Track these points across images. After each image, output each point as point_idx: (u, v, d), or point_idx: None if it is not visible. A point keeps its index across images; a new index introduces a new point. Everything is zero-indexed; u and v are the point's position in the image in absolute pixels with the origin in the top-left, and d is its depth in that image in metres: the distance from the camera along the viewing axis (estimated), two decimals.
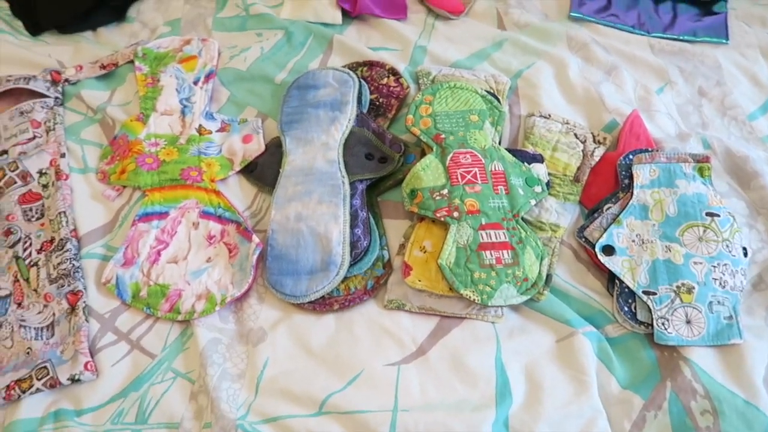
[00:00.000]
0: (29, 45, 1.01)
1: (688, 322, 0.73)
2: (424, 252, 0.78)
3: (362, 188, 0.82)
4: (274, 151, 0.88)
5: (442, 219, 0.77)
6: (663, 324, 0.73)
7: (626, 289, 0.76)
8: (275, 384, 0.72)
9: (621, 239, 0.78)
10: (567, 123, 0.88)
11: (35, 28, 1.03)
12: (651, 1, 1.04)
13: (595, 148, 0.86)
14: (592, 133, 0.88)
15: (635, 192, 0.80)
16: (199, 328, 0.76)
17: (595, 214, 0.80)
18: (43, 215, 0.84)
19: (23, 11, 1.03)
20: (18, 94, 0.93)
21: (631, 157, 0.83)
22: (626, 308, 0.75)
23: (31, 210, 0.84)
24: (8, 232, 0.82)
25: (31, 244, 0.82)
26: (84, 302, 0.77)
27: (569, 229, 0.83)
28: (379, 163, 0.84)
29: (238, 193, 0.87)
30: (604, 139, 0.87)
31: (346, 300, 0.77)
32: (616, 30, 1.01)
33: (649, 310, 0.74)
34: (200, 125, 0.91)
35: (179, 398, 0.72)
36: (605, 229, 0.78)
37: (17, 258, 0.81)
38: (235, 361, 0.75)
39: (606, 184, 0.84)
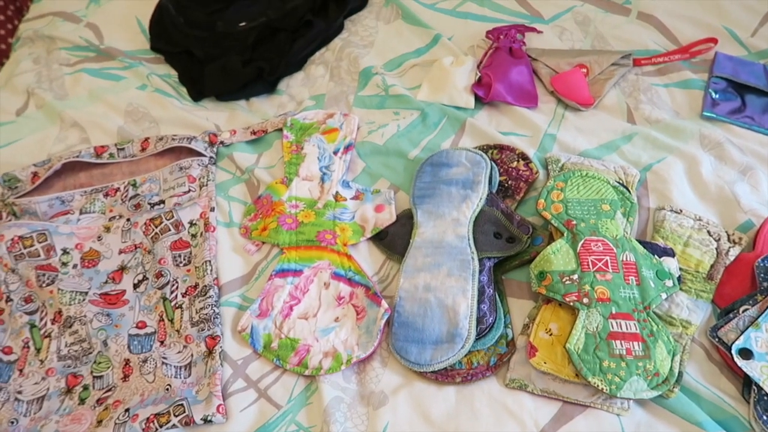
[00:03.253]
0: (191, 109, 1.13)
1: None
2: (550, 334, 0.78)
3: (490, 265, 0.85)
4: (405, 222, 0.92)
5: (572, 304, 0.78)
6: None
7: (765, 397, 0.72)
8: None
9: (759, 344, 0.75)
10: (699, 219, 0.88)
11: (198, 94, 1.15)
12: None
13: (729, 248, 0.85)
14: (726, 231, 0.87)
15: None
16: (324, 384, 0.79)
17: (731, 315, 0.78)
18: (189, 262, 0.92)
19: (189, 80, 1.16)
20: (178, 151, 1.04)
21: None
22: (765, 417, 0.71)
23: (180, 256, 0.92)
24: (159, 275, 0.90)
25: (177, 287, 0.89)
26: (221, 347, 0.83)
27: (701, 327, 0.81)
28: (507, 243, 0.86)
29: (368, 259, 0.92)
30: (740, 239, 0.86)
31: (468, 374, 0.78)
32: (752, 131, 1.01)
33: None
34: (337, 192, 0.97)
35: None
36: (742, 332, 0.76)
37: (164, 299, 0.89)
38: (356, 422, 0.77)
39: (741, 285, 0.82)
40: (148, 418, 0.76)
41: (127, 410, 0.78)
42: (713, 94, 1.05)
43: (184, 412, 0.77)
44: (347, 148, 1.03)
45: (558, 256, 0.82)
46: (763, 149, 0.98)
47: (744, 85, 1.06)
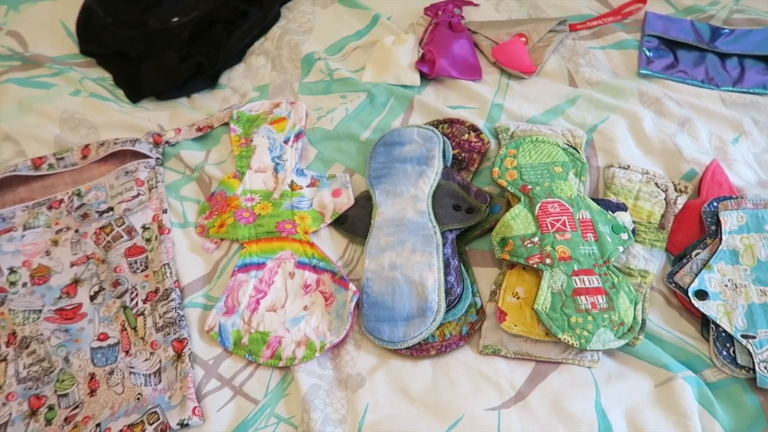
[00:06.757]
0: (130, 111, 1.09)
1: None
2: (518, 298, 0.80)
3: (452, 238, 0.86)
4: (364, 203, 0.92)
5: (535, 266, 0.79)
6: (765, 368, 0.72)
7: (723, 333, 0.76)
8: (377, 429, 0.74)
9: (713, 284, 0.79)
10: (647, 173, 0.91)
11: (136, 95, 1.11)
12: (717, 57, 1.08)
13: (677, 197, 0.88)
14: (672, 182, 0.90)
15: (724, 238, 0.81)
16: (300, 373, 0.79)
17: (684, 260, 0.82)
18: (147, 267, 0.89)
19: (126, 81, 1.12)
20: (122, 155, 1.00)
21: (716, 204, 0.84)
22: (725, 352, 0.75)
23: (136, 262, 0.89)
24: (116, 283, 0.87)
25: (137, 294, 0.87)
26: (189, 349, 0.81)
27: (658, 275, 0.84)
28: (467, 214, 0.87)
29: (330, 244, 0.91)
30: (686, 187, 0.90)
31: (442, 346, 0.79)
32: (686, 85, 1.05)
33: (749, 354, 0.74)
34: (292, 181, 0.96)
35: None
36: (696, 275, 0.80)
37: (125, 308, 0.86)
38: (336, 407, 0.77)
39: (691, 231, 0.86)
40: (121, 430, 0.74)
41: (98, 425, 0.76)
42: (647, 53, 1.09)
43: (159, 419, 0.75)
44: (297, 136, 1.01)
45: (517, 221, 0.83)
46: (698, 101, 1.02)
47: (675, 42, 1.10)
